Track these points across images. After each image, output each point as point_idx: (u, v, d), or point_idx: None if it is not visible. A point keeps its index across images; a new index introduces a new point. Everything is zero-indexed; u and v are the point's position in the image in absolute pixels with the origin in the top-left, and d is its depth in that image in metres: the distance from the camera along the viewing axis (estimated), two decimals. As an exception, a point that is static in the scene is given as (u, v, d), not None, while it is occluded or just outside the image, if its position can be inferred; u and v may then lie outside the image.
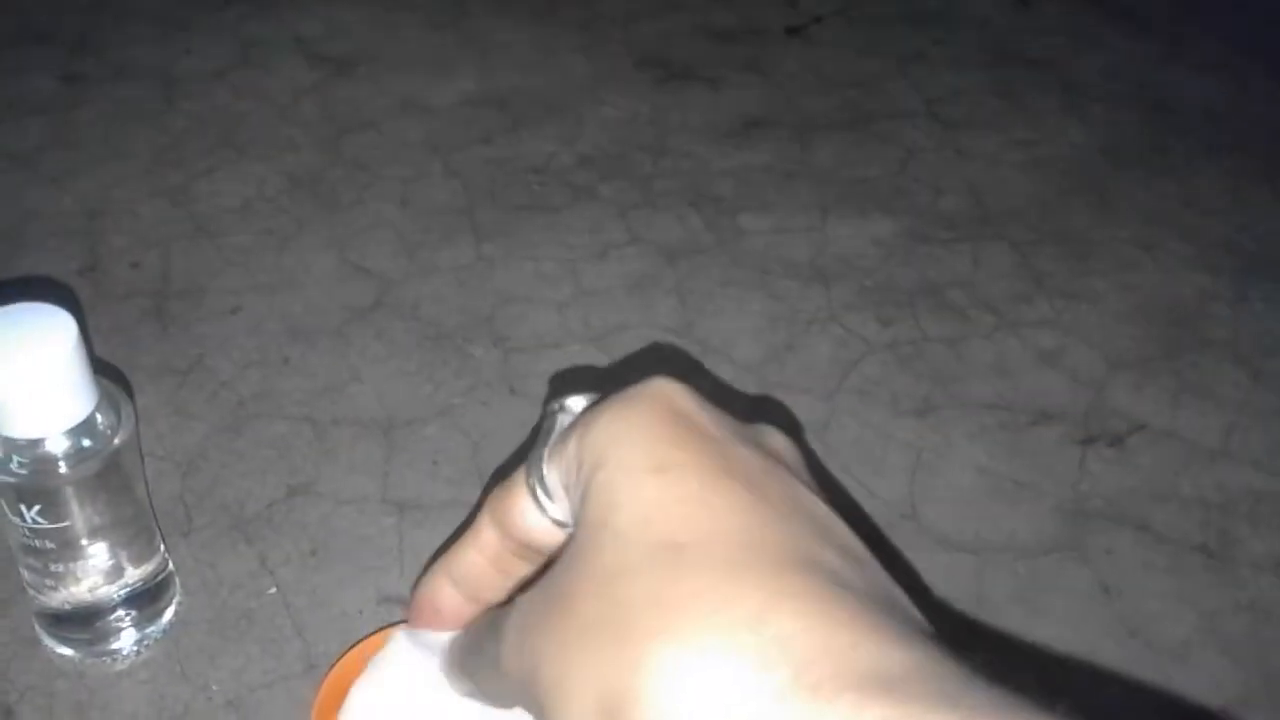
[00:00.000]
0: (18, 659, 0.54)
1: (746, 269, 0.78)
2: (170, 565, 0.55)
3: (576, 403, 0.30)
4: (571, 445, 0.28)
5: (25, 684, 0.53)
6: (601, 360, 0.70)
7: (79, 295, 0.72)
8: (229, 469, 0.63)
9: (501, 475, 0.34)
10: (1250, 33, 1.06)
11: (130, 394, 0.49)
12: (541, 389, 0.68)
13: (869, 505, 0.63)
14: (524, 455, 0.33)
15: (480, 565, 0.32)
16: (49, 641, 0.54)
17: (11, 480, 0.47)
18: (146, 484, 0.53)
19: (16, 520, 0.48)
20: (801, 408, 0.68)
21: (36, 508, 0.47)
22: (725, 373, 0.70)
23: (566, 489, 0.29)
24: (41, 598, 0.52)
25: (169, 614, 0.55)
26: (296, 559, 0.59)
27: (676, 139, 0.90)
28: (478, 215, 0.81)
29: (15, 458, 0.47)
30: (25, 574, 0.51)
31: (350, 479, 0.63)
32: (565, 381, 0.69)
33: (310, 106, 0.90)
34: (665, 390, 0.28)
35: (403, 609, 0.56)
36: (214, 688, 0.53)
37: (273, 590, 0.57)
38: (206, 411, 0.66)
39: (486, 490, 0.62)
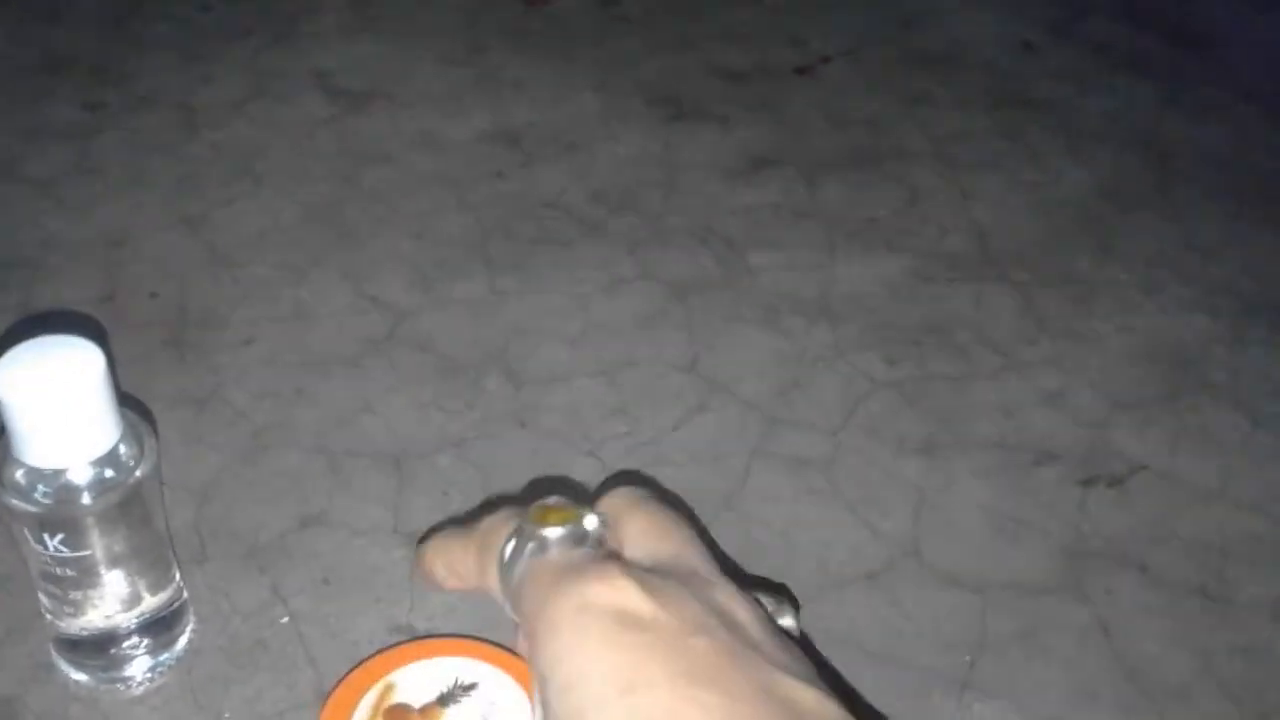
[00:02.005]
0: (34, 684, 0.55)
1: (754, 306, 0.79)
2: (185, 594, 0.56)
3: (553, 533, 0.33)
4: (529, 645, 0.32)
5: (40, 709, 0.54)
6: (611, 395, 0.71)
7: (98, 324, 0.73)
8: (243, 498, 0.64)
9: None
10: (1251, 80, 1.08)
11: (154, 426, 0.51)
12: (551, 422, 0.70)
13: (873, 543, 0.64)
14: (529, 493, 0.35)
15: (467, 562, 0.37)
16: (64, 667, 0.55)
17: (35, 509, 0.48)
18: (165, 513, 0.54)
19: (39, 548, 0.49)
20: (807, 444, 0.69)
21: (59, 536, 0.48)
22: (732, 408, 0.71)
23: (523, 636, 0.33)
24: (59, 623, 0.53)
25: (183, 642, 0.56)
26: (309, 588, 0.60)
27: (687, 176, 0.91)
28: (491, 249, 0.82)
29: (40, 487, 0.48)
30: (44, 600, 0.52)
31: (363, 509, 0.64)
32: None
33: (327, 139, 0.91)
34: (615, 593, 0.30)
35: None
36: (226, 716, 0.54)
37: (285, 619, 0.58)
38: (222, 441, 0.67)
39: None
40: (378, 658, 0.52)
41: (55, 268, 0.78)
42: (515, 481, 0.66)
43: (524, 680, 0.51)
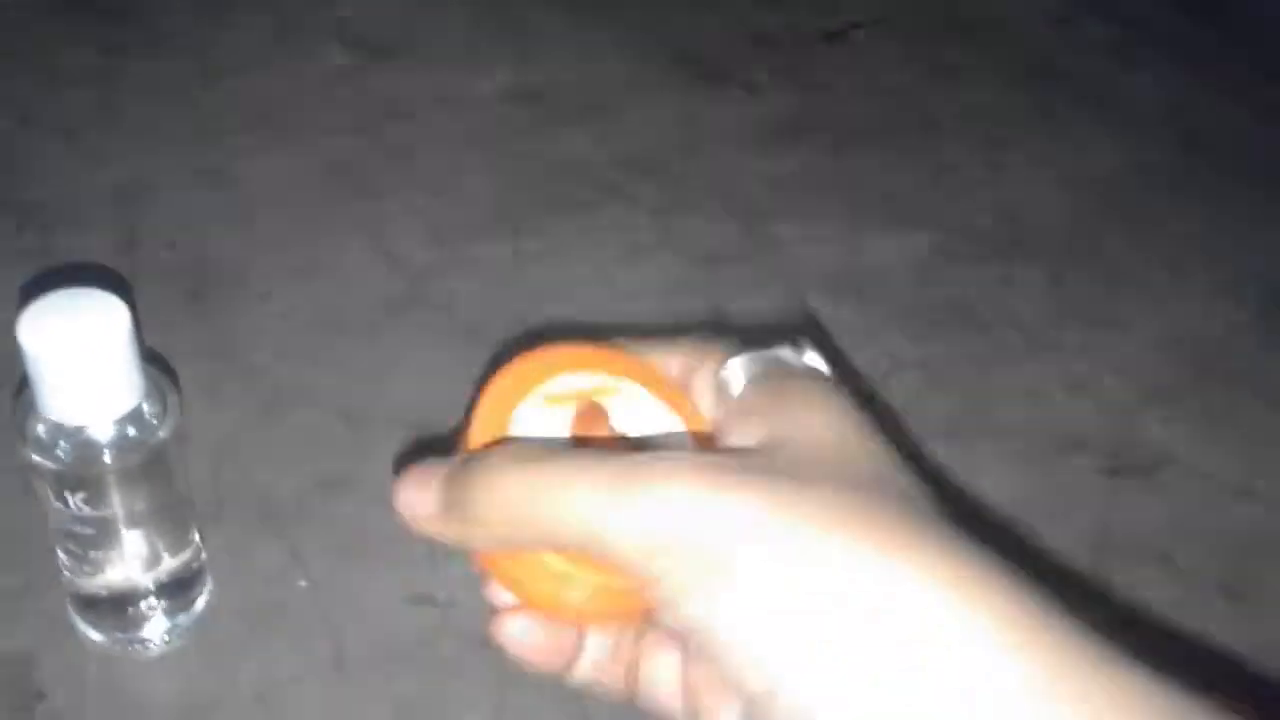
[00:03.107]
0: (50, 642, 0.54)
1: (779, 278, 0.78)
2: (204, 555, 0.56)
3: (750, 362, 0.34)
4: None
5: (58, 667, 0.53)
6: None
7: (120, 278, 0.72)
8: (261, 458, 0.63)
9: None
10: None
11: (177, 384, 0.50)
12: (572, 391, 0.69)
13: (895, 525, 0.63)
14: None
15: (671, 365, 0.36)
16: (81, 626, 0.54)
17: (56, 467, 0.47)
18: (186, 472, 0.53)
19: (59, 505, 0.48)
20: (831, 423, 0.68)
21: (81, 495, 0.48)
22: (755, 383, 0.70)
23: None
24: (77, 582, 0.52)
25: (200, 603, 0.56)
26: (327, 553, 0.59)
27: (711, 141, 0.90)
28: (512, 211, 0.81)
29: (61, 443, 0.47)
30: (63, 557, 0.52)
31: (381, 474, 0.63)
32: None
33: (349, 91, 0.90)
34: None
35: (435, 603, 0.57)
36: (243, 680, 0.54)
37: (303, 584, 0.58)
38: (240, 398, 0.66)
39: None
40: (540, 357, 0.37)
41: (73, 215, 0.77)
42: (536, 450, 0.65)
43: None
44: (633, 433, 0.36)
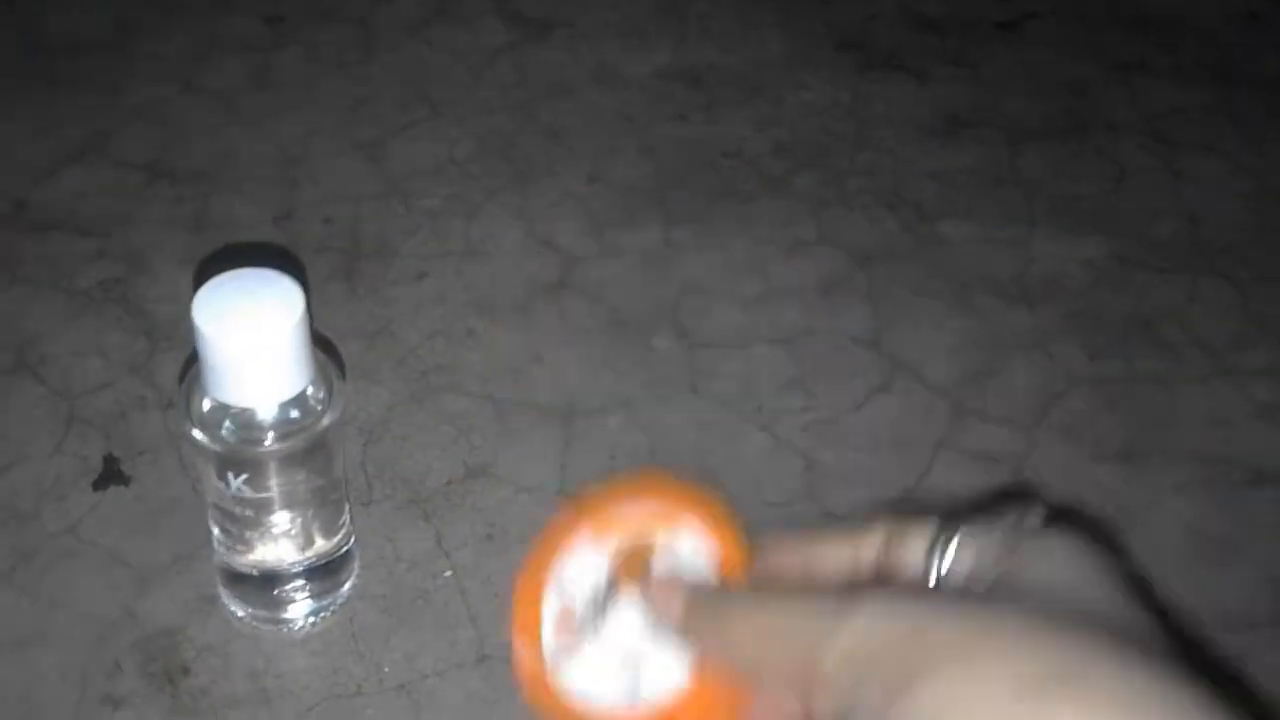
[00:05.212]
0: (197, 616, 0.54)
1: (945, 280, 0.74)
2: (353, 539, 0.55)
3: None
4: None
5: (203, 642, 0.53)
6: (788, 365, 0.68)
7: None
8: (410, 441, 0.62)
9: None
10: None
11: (343, 369, 0.49)
12: (724, 389, 0.66)
13: (1065, 554, 0.59)
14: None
15: (843, 564, 0.33)
16: (226, 600, 0.54)
17: (219, 448, 0.47)
18: (344, 456, 0.52)
19: (220, 485, 0.48)
20: (997, 439, 0.65)
21: (243, 477, 0.47)
22: (917, 392, 0.67)
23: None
24: (228, 558, 0.52)
25: (347, 588, 0.55)
26: (473, 542, 0.58)
27: (876, 132, 0.86)
28: (668, 198, 0.79)
29: (226, 424, 0.47)
30: (216, 533, 0.52)
31: (528, 465, 0.62)
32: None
33: (506, 68, 0.88)
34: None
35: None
36: (386, 669, 0.53)
37: (448, 573, 0.57)
38: (391, 379, 0.65)
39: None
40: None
41: (231, 183, 0.77)
42: (684, 451, 0.63)
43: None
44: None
